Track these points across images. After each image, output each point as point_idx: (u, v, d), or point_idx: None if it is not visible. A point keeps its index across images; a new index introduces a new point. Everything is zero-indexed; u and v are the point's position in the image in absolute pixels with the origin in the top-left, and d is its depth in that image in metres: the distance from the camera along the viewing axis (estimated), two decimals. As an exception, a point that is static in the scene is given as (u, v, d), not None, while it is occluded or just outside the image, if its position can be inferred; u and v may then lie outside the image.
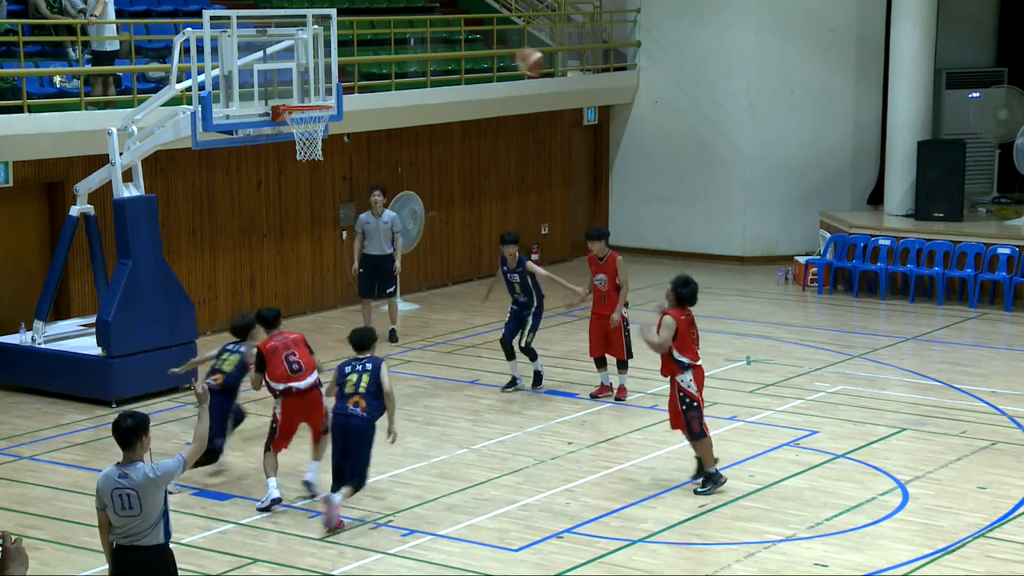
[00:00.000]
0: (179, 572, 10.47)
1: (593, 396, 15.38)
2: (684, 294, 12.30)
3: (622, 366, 15.27)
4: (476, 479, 12.68)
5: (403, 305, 20.55)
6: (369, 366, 11.59)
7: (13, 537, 5.14)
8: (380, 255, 17.82)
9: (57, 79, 17.38)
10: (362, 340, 11.84)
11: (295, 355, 12.19)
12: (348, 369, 11.65)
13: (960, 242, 20.91)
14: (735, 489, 12.36)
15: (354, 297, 20.62)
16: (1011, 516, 11.78)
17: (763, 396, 15.45)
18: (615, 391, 15.30)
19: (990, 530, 11.46)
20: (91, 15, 16.92)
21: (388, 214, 17.96)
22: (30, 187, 16.89)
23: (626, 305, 15.26)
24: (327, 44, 15.55)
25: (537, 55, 15.92)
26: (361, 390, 11.46)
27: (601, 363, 15.41)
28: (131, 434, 8.50)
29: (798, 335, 18.48)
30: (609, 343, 15.18)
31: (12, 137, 15.93)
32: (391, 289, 18.06)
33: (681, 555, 10.98)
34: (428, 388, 16.11)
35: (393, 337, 18.01)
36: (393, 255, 17.92)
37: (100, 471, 12.94)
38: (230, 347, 12.81)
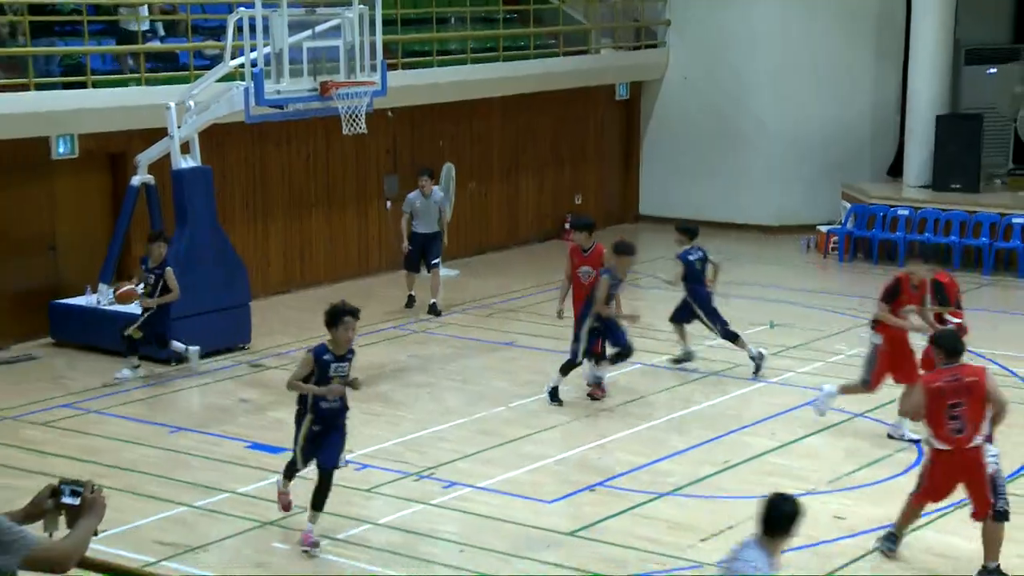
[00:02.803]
0: (237, 520, 10.68)
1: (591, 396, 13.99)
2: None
3: (602, 360, 13.82)
4: (513, 435, 12.79)
5: (444, 271, 20.63)
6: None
7: (95, 486, 5.16)
8: (429, 232, 17.77)
9: (119, 56, 17.49)
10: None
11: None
12: None
13: (976, 212, 20.86)
14: (758, 445, 12.43)
15: (397, 263, 20.75)
16: (1020, 472, 11.80)
17: (785, 358, 15.48)
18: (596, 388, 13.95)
19: (1000, 485, 11.47)
20: None
21: (436, 193, 17.90)
22: (95, 158, 17.03)
23: None
24: (372, 23, 15.57)
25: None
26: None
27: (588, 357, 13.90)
28: None
29: (819, 300, 18.47)
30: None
31: (78, 111, 16.09)
32: (435, 260, 17.99)
33: (705, 507, 11.07)
34: (467, 349, 16.21)
35: (434, 310, 17.89)
36: (440, 233, 17.97)
37: (163, 425, 13.27)
38: None
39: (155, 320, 14.62)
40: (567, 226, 23.47)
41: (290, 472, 10.34)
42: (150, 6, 18.02)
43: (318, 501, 9.96)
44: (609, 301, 13.32)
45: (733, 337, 14.83)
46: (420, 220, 17.76)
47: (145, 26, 17.40)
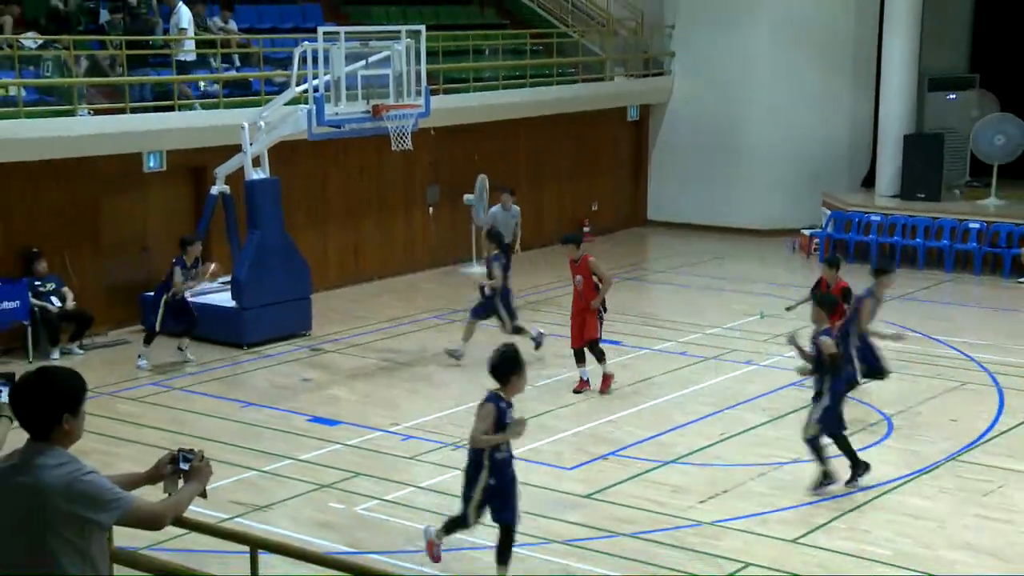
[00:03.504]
0: (299, 483, 10.63)
1: (575, 391, 13.33)
2: None
3: (600, 357, 13.29)
4: (536, 411, 12.68)
5: (479, 267, 20.56)
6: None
7: (203, 455, 5.06)
8: (508, 243, 16.54)
9: (201, 84, 17.51)
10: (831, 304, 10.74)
11: None
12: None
13: (938, 218, 20.66)
14: (751, 420, 12.30)
15: (439, 261, 20.73)
16: (976, 443, 11.66)
17: (774, 344, 15.33)
18: (600, 383, 13.32)
19: (959, 455, 11.35)
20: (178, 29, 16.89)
21: (515, 209, 17.47)
22: (179, 171, 17.04)
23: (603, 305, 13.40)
24: (417, 54, 15.53)
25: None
26: None
27: (580, 357, 13.35)
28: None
29: (803, 294, 18.29)
30: (583, 332, 13.29)
31: (166, 131, 16.10)
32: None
33: (706, 473, 10.96)
34: (498, 337, 16.11)
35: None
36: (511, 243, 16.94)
37: (236, 401, 13.25)
38: None
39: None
40: (586, 229, 23.40)
41: (452, 528, 8.66)
42: (230, 40, 18.02)
43: (504, 557, 8.41)
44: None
45: (519, 331, 14.41)
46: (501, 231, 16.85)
47: (191, 57, 17.14)
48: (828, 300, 10.73)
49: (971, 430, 12.01)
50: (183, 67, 16.85)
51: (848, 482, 10.42)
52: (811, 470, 10.74)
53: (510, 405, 8.20)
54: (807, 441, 10.34)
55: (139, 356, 14.64)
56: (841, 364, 10.48)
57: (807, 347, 10.39)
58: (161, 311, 14.55)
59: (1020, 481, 10.66)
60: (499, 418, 8.09)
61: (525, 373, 8.16)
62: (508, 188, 17.83)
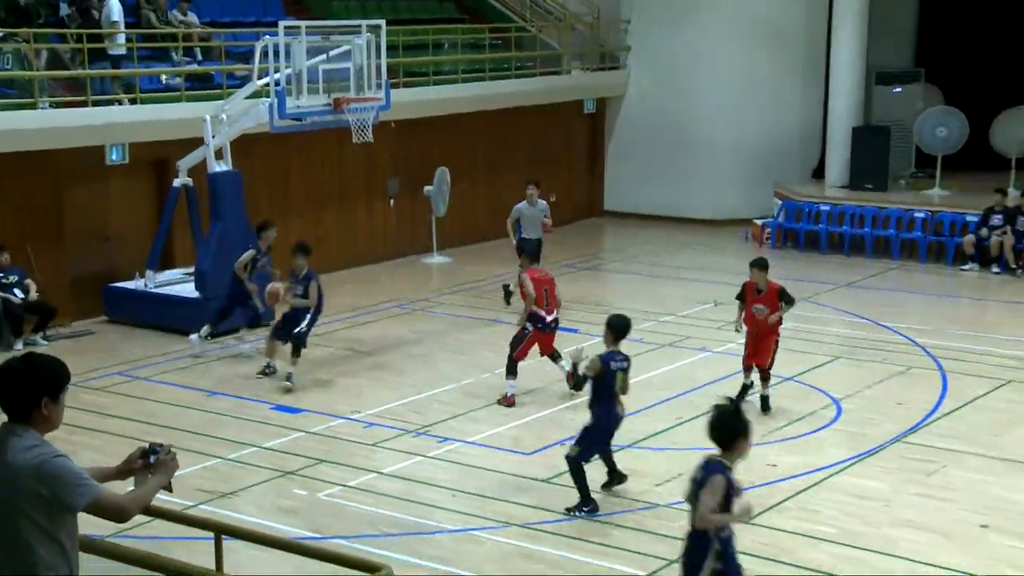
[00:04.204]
0: (263, 470, 10.60)
1: (499, 402, 12.56)
2: None
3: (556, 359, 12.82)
4: (496, 397, 12.73)
5: (439, 257, 20.59)
6: (625, 364, 9.70)
7: (170, 449, 5.06)
8: (535, 238, 16.26)
9: (163, 77, 17.37)
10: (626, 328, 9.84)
11: None
12: (614, 365, 9.58)
13: (885, 208, 20.88)
14: (705, 404, 12.35)
15: (401, 251, 20.73)
16: (921, 425, 11.82)
17: (726, 331, 15.39)
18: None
19: (904, 436, 11.51)
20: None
21: (541, 203, 16.66)
22: (142, 164, 16.90)
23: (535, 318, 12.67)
24: (378, 48, 15.50)
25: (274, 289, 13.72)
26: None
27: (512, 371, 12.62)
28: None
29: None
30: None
31: (128, 124, 15.96)
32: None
33: (660, 457, 11.04)
34: (458, 325, 16.15)
35: (508, 293, 16.70)
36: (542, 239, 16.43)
37: (200, 390, 13.18)
38: None
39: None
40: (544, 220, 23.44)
41: None
42: (192, 34, 17.88)
43: None
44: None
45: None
46: (526, 227, 16.49)
47: (122, 51, 16.59)
48: (616, 324, 9.74)
49: (916, 413, 12.17)
50: (115, 62, 16.62)
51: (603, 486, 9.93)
52: (763, 454, 10.83)
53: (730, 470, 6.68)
54: (566, 458, 9.64)
55: (196, 334, 14.53)
56: (600, 393, 9.55)
57: (583, 368, 9.58)
58: (234, 291, 14.49)
59: (962, 461, 10.83)
60: (728, 492, 6.62)
61: (751, 433, 6.70)
62: (533, 180, 16.96)
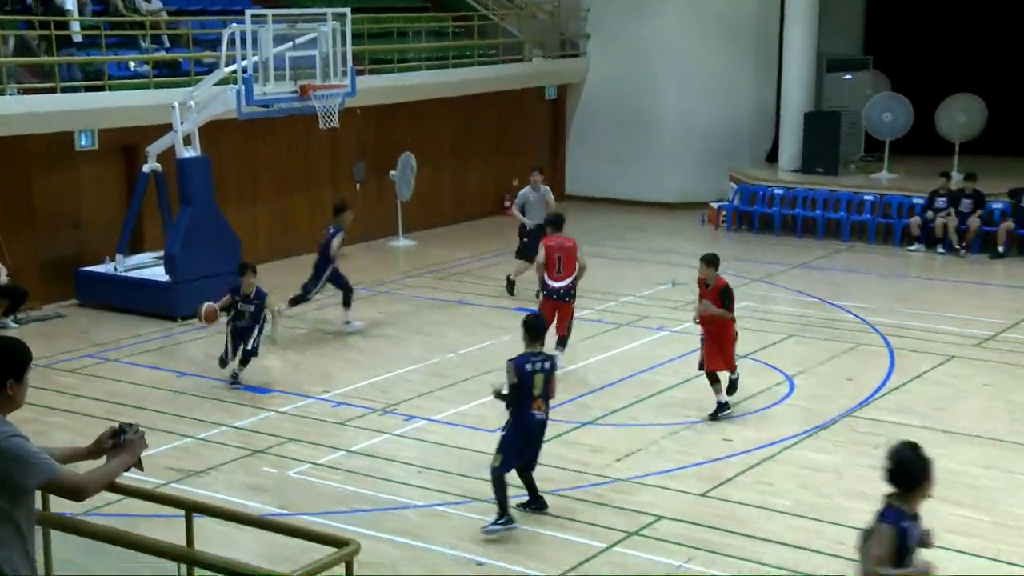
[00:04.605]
0: (233, 448, 10.55)
1: None
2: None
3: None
4: (461, 376, 12.74)
5: (404, 241, 20.52)
6: (547, 365, 8.81)
7: (138, 429, 4.98)
8: (539, 224, 15.56)
9: (131, 64, 17.16)
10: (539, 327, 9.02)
11: None
12: (529, 367, 8.72)
13: (836, 191, 21.03)
14: (663, 382, 12.45)
15: (367, 235, 20.63)
16: (869, 400, 11.94)
17: (684, 311, 15.50)
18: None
19: (854, 411, 11.62)
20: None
21: (544, 189, 16.18)
22: (111, 150, 16.71)
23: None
24: (343, 36, 15.40)
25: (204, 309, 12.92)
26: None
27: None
28: None
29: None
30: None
31: (97, 110, 15.78)
32: None
33: (620, 432, 11.08)
34: (424, 307, 16.12)
35: (511, 287, 16.19)
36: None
37: (170, 371, 13.08)
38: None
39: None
40: (506, 203, 23.43)
41: None
42: (159, 22, 17.67)
43: None
44: None
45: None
46: (530, 213, 16.00)
47: (78, 39, 16.40)
48: (528, 323, 8.96)
49: (865, 388, 12.29)
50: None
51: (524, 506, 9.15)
52: (721, 429, 10.91)
53: (915, 519, 5.60)
54: (490, 470, 8.91)
55: (347, 322, 14.46)
56: (517, 398, 8.72)
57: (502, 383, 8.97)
58: (324, 278, 14.33)
59: (909, 434, 10.80)
60: (902, 544, 5.50)
61: (933, 473, 5.65)
62: (537, 167, 16.53)
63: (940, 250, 19.27)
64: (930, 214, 19.51)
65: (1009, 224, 18.92)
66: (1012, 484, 9.78)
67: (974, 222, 19.12)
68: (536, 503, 9.17)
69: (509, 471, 8.86)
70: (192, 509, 6.19)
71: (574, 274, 12.76)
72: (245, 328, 12.46)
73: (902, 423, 11.22)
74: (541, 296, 12.93)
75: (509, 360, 8.80)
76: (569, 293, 12.79)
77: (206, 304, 12.89)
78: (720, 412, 11.26)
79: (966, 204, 19.30)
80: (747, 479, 9.90)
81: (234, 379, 12.45)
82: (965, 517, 9.13)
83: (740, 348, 13.17)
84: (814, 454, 10.46)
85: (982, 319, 15.04)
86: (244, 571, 5.38)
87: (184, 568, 5.66)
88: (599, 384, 12.52)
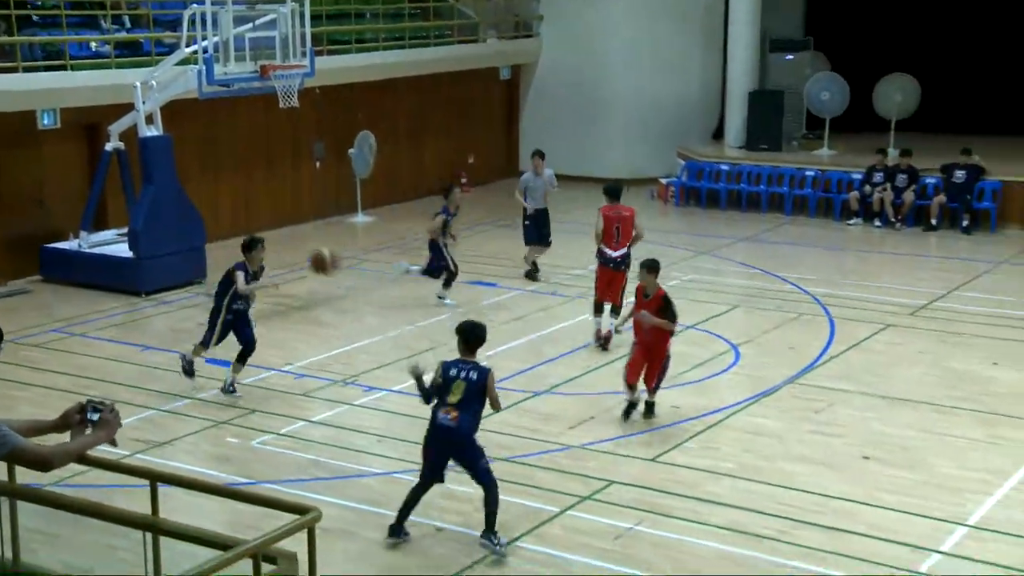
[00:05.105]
0: (197, 420, 10.46)
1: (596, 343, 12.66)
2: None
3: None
4: (420, 347, 12.70)
5: (363, 217, 20.41)
6: (473, 376, 7.98)
7: (112, 406, 4.91)
8: (541, 208, 15.46)
9: (93, 44, 16.86)
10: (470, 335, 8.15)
11: None
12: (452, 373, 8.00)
13: (779, 166, 21.14)
14: (615, 353, 12.50)
15: (325, 212, 20.52)
16: (811, 368, 12.06)
17: (632, 284, 15.50)
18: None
19: (797, 378, 11.73)
20: None
21: (547, 172, 15.63)
22: (74, 128, 16.43)
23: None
24: (302, 17, 15.24)
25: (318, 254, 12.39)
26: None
27: (596, 309, 12.82)
28: None
29: (661, 237, 18.53)
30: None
31: (59, 90, 15.49)
32: (551, 238, 15.65)
33: (575, 401, 11.12)
34: (383, 281, 16.05)
35: (534, 274, 15.73)
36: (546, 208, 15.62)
37: (135, 345, 12.93)
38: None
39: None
40: (463, 180, 23.36)
41: None
42: (119, 3, 17.35)
43: None
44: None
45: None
46: (532, 197, 15.48)
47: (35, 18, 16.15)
48: (459, 330, 8.21)
49: (806, 356, 12.41)
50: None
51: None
52: (670, 396, 10.96)
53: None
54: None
55: (441, 296, 14.42)
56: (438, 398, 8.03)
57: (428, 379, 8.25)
58: (447, 255, 14.28)
59: (847, 400, 11.09)
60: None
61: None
62: (539, 151, 16.00)
63: (877, 223, 19.47)
64: (868, 189, 19.69)
65: (941, 198, 19.14)
66: (942, 445, 9.94)
67: (909, 196, 19.33)
68: (397, 530, 8.04)
69: (424, 486, 8.03)
70: (157, 479, 6.14)
71: (630, 243, 12.64)
72: (243, 312, 11.06)
73: (841, 389, 11.36)
74: (597, 265, 12.74)
75: (442, 361, 8.14)
76: (625, 262, 12.64)
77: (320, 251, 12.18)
78: (631, 413, 10.41)
79: (901, 179, 19.50)
80: (694, 444, 9.98)
81: (231, 388, 11.07)
82: (898, 477, 9.28)
83: (687, 318, 13.30)
84: (758, 419, 10.56)
85: (916, 289, 15.24)
86: (208, 538, 5.34)
87: (149, 536, 5.61)
88: (553, 354, 12.54)
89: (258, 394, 11.30)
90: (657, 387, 10.43)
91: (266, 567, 5.17)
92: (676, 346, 12.46)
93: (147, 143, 15.09)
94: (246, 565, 5.06)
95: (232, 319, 11.05)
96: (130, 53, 16.93)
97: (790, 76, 22.90)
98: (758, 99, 22.06)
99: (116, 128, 15.51)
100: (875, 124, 21.60)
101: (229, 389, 11.09)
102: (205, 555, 5.03)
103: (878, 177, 19.68)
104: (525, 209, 15.59)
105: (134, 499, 7.01)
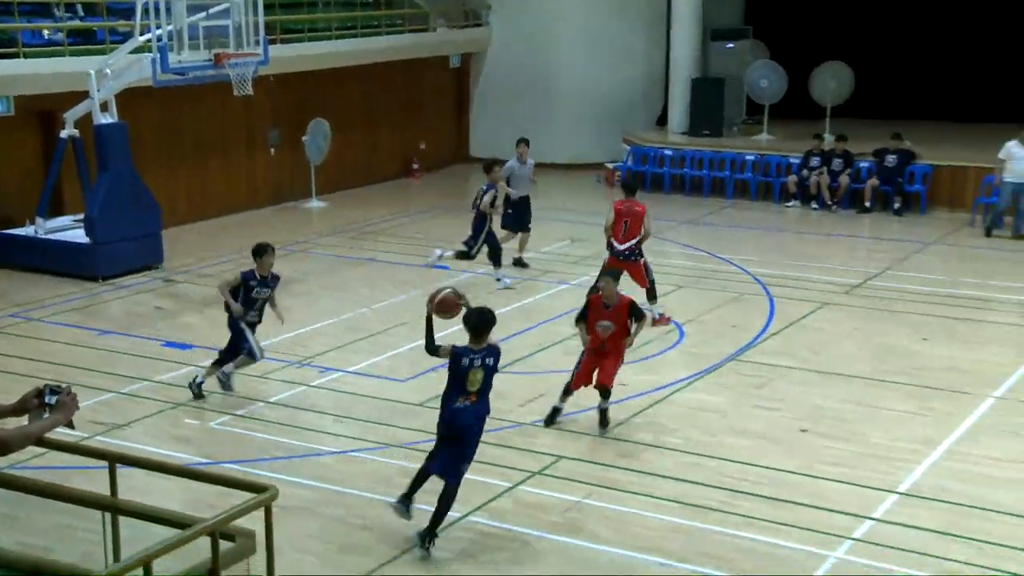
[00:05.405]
0: (155, 402, 10.33)
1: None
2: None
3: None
4: (374, 330, 12.67)
5: (317, 203, 20.25)
6: (491, 362, 7.79)
7: (70, 390, 4.82)
8: (524, 196, 15.23)
9: (46, 32, 16.52)
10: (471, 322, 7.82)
11: None
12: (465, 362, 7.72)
13: (720, 151, 21.27)
14: (563, 332, 12.53)
15: (280, 198, 20.34)
16: (752, 345, 12.18)
17: (581, 266, 15.61)
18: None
19: (739, 355, 11.84)
20: None
21: (531, 162, 15.37)
22: (29, 116, 16.12)
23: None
24: (255, 5, 15.03)
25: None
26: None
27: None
28: None
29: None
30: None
31: (12, 77, 15.18)
32: (530, 225, 15.47)
33: (525, 379, 11.13)
34: (338, 264, 15.95)
35: (521, 263, 15.44)
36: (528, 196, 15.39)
37: (93, 329, 12.75)
38: None
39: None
40: (414, 166, 23.26)
41: None
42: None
43: None
44: None
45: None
46: (516, 185, 15.14)
47: None
48: (465, 320, 7.86)
49: (747, 334, 12.53)
50: None
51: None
52: (618, 374, 10.99)
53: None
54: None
55: (498, 279, 14.40)
56: (448, 387, 7.79)
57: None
58: (484, 234, 14.23)
59: (786, 375, 11.22)
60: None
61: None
62: (524, 139, 15.60)
63: (814, 206, 19.68)
64: (805, 172, 19.89)
65: (874, 181, 19.39)
66: (876, 417, 10.10)
67: (844, 180, 19.56)
68: (405, 500, 7.75)
69: (426, 473, 7.74)
70: (115, 460, 6.04)
71: (638, 237, 12.72)
72: (254, 325, 10.51)
73: (781, 365, 11.49)
74: (607, 256, 12.84)
75: (452, 344, 7.79)
76: (634, 253, 12.75)
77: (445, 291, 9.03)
78: (555, 419, 9.87)
79: (837, 163, 19.72)
80: (641, 420, 10.05)
81: (226, 380, 10.46)
82: (834, 448, 9.41)
83: (636, 298, 13.33)
84: (702, 395, 10.65)
85: (851, 269, 15.43)
86: (166, 517, 5.29)
87: (108, 516, 5.54)
88: (505, 335, 12.47)
89: (215, 376, 11.17)
90: (610, 391, 9.74)
91: (224, 545, 5.13)
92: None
93: (102, 131, 14.84)
94: (205, 543, 5.01)
95: (248, 326, 10.43)
96: (84, 41, 16.63)
97: (731, 64, 23.02)
98: (700, 86, 22.17)
99: (71, 116, 15.23)
100: (812, 110, 21.80)
101: (198, 384, 10.43)
102: (164, 534, 4.97)
103: (815, 161, 19.88)
104: (508, 196, 15.17)
105: (93, 481, 6.91)
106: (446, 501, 7.65)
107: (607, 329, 9.57)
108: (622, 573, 7.44)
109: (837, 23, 23.70)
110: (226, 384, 10.49)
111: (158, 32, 14.16)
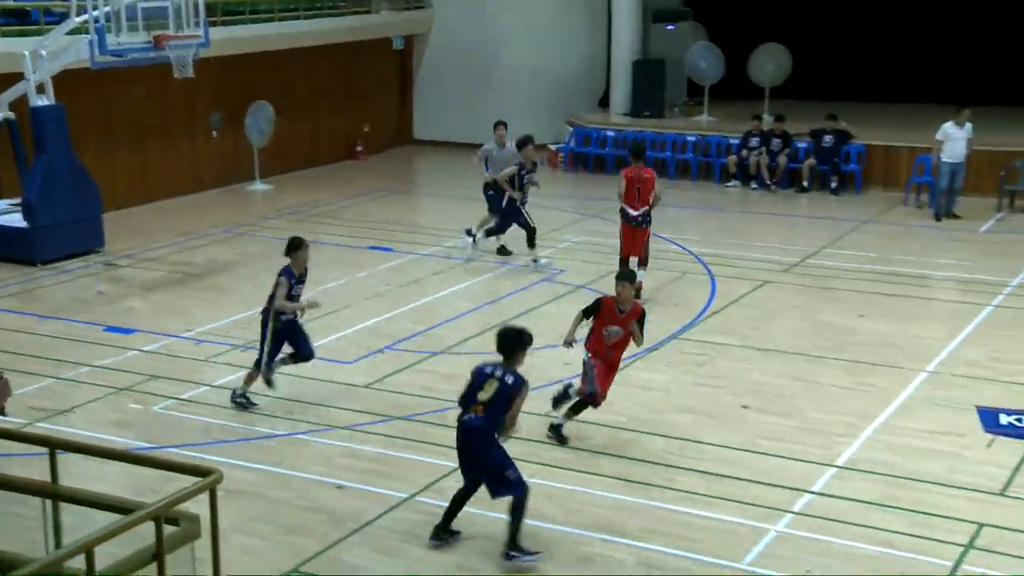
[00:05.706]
0: (98, 387, 10.15)
1: None
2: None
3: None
4: (318, 312, 12.49)
5: (261, 185, 20.00)
6: (510, 381, 7.34)
7: (0, 374, 4.69)
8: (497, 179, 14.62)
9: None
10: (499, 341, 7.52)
11: None
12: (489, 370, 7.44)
13: (662, 132, 21.34)
14: (509, 312, 12.50)
15: (224, 180, 20.06)
16: (694, 323, 12.26)
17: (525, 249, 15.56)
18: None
19: (681, 333, 11.91)
20: None
21: (509, 146, 14.81)
22: (-38, 99, 15.66)
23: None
24: (195, -14, 14.75)
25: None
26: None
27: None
28: None
29: (552, 202, 18.59)
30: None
31: (-56, 59, 14.76)
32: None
33: (471, 360, 11.03)
34: (282, 247, 15.72)
35: (471, 233, 15.02)
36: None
37: (32, 315, 12.47)
38: None
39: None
40: (358, 149, 23.07)
41: None
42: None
43: None
44: None
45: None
46: (494, 168, 14.69)
47: None
48: (503, 338, 7.55)
49: (690, 312, 12.61)
50: None
51: None
52: (560, 355, 11.02)
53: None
54: None
55: (535, 260, 14.28)
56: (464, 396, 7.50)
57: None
58: (502, 210, 14.12)
59: (727, 352, 11.32)
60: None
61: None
62: (502, 121, 15.19)
63: (753, 186, 19.85)
64: (744, 153, 20.05)
65: (812, 161, 19.59)
66: (814, 392, 10.23)
67: (782, 160, 19.74)
68: (443, 533, 7.50)
69: (466, 490, 7.50)
70: (56, 446, 5.93)
71: (650, 202, 12.78)
72: (294, 321, 9.81)
73: (722, 343, 11.58)
74: (620, 222, 12.92)
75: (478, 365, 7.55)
76: (646, 219, 12.84)
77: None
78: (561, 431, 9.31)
79: (776, 143, 19.90)
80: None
81: (245, 399, 9.75)
82: (774, 423, 9.52)
83: (577, 278, 13.38)
84: (646, 374, 10.70)
85: (790, 247, 15.59)
86: (109, 502, 5.19)
87: (49, 504, 5.43)
88: (449, 316, 12.51)
89: (159, 360, 11.01)
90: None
91: (168, 529, 5.05)
92: (564, 304, 12.61)
93: (39, 113, 14.49)
94: (149, 529, 4.93)
95: (284, 328, 9.70)
96: (17, 22, 16.20)
97: (671, 46, 23.11)
98: (641, 68, 22.24)
99: (5, 98, 14.85)
100: (751, 91, 21.96)
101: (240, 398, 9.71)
102: (107, 520, 4.88)
103: (754, 142, 20.04)
104: (486, 181, 14.79)
105: (33, 468, 6.77)
106: (517, 513, 7.30)
107: (615, 335, 8.97)
108: (566, 550, 7.46)
109: (775, 6, 23.87)
110: (270, 381, 9.83)
111: (95, 13, 13.83)
